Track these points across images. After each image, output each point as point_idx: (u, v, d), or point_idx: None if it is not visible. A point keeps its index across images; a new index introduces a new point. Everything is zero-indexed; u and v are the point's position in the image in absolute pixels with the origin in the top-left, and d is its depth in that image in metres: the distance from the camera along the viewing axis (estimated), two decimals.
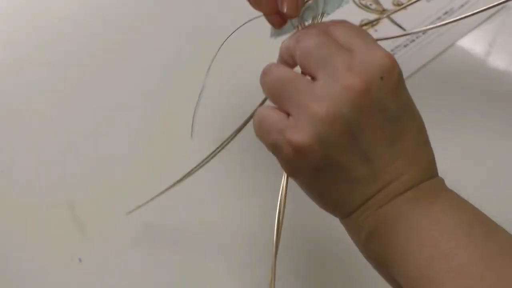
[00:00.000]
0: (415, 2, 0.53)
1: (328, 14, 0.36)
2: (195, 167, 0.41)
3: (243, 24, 0.40)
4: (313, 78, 0.31)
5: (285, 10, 0.34)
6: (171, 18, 0.64)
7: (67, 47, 0.62)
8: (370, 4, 0.62)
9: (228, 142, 0.41)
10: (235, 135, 0.41)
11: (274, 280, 0.33)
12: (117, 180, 0.52)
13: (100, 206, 0.50)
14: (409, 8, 0.62)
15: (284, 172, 0.34)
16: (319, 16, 0.36)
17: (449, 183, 0.33)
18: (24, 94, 0.58)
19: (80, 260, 0.47)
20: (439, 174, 0.33)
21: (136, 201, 0.50)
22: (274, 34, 0.37)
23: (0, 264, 0.48)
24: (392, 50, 0.58)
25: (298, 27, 0.35)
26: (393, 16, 0.61)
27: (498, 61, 0.59)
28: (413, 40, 0.58)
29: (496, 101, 0.55)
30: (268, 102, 0.35)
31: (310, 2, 0.36)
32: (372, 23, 0.56)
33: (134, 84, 0.58)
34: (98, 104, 0.57)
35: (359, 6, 0.62)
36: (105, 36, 0.62)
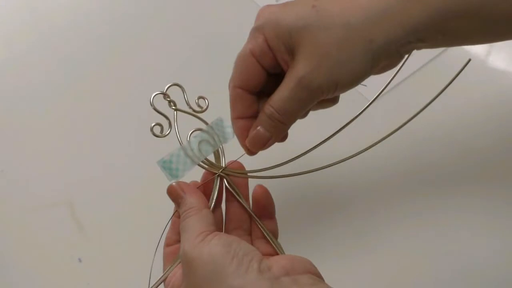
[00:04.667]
0: None
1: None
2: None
3: None
4: None
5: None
6: (174, 23, 0.64)
7: (70, 49, 0.62)
8: None
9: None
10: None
11: None
12: (117, 181, 0.52)
13: (100, 206, 0.50)
14: None
15: None
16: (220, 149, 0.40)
17: None
18: (24, 94, 0.58)
19: (80, 260, 0.47)
20: None
21: (135, 201, 0.51)
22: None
23: (0, 264, 0.48)
24: None
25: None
26: None
27: (498, 61, 0.59)
28: None
29: (496, 101, 0.55)
30: None
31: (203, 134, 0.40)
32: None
33: (134, 87, 0.58)
34: (98, 105, 0.57)
35: None
36: (107, 41, 0.62)
